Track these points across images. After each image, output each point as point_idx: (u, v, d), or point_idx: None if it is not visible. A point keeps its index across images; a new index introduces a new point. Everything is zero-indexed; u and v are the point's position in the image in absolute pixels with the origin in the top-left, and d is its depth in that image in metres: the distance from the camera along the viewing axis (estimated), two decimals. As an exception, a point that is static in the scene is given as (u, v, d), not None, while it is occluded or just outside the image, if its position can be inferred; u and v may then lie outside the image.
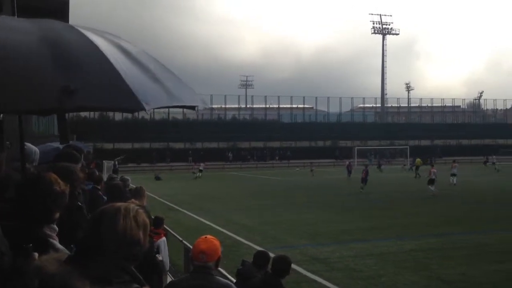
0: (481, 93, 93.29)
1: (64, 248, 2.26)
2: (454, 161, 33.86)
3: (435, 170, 26.41)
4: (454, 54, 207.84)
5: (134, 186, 8.63)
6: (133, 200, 5.37)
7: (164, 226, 8.77)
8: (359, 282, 9.42)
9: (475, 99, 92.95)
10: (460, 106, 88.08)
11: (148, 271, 4.97)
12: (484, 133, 77.13)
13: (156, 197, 24.85)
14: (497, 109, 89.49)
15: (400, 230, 14.84)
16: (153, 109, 1.94)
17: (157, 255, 6.53)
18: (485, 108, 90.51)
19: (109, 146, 56.42)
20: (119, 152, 47.56)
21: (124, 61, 1.90)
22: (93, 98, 1.75)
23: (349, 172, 40.96)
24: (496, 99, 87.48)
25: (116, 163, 32.73)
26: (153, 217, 7.32)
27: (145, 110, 1.72)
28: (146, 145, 61.83)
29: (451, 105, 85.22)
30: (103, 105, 2.12)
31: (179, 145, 63.73)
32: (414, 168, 42.81)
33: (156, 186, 32.07)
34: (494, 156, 56.25)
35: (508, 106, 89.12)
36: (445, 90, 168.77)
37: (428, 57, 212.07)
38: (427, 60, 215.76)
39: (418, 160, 44.52)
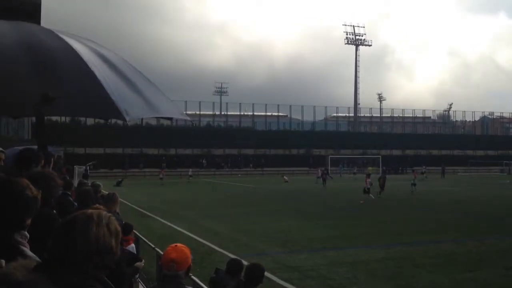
0: (451, 104, 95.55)
1: (34, 255, 2.20)
2: (413, 171, 35.51)
3: (369, 180, 28.71)
4: (423, 66, 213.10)
5: (106, 192, 8.50)
6: (97, 205, 5.28)
7: (135, 232, 8.65)
8: (331, 290, 9.47)
9: (445, 111, 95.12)
10: (430, 117, 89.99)
11: (119, 279, 4.89)
12: (454, 144, 78.99)
13: (128, 203, 24.51)
14: (466, 121, 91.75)
15: (371, 238, 15.02)
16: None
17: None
18: (454, 120, 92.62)
19: (80, 150, 55.47)
20: (90, 157, 46.80)
21: (106, 70, 1.86)
22: (72, 107, 1.73)
23: (324, 180, 40.20)
24: (465, 111, 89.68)
25: (88, 168, 32.25)
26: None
27: (126, 121, 1.71)
28: (119, 150, 60.98)
29: (421, 116, 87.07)
30: (83, 114, 2.13)
31: (152, 151, 63.09)
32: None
33: (128, 192, 31.62)
34: (424, 167, 58.97)
35: (477, 118, 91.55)
36: (415, 101, 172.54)
37: (399, 69, 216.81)
38: (398, 71, 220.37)
39: (369, 168, 45.78)
